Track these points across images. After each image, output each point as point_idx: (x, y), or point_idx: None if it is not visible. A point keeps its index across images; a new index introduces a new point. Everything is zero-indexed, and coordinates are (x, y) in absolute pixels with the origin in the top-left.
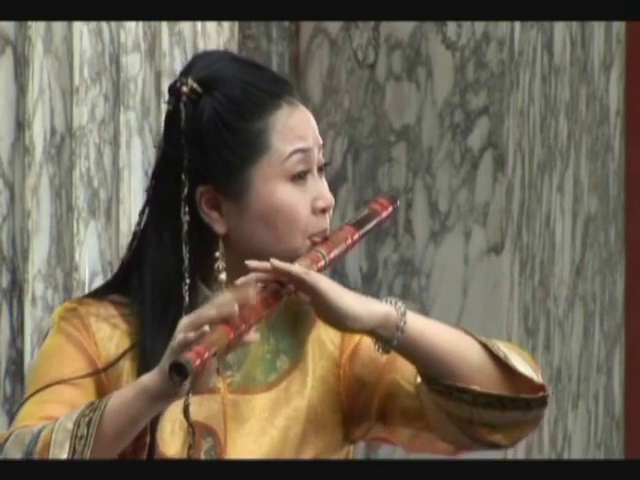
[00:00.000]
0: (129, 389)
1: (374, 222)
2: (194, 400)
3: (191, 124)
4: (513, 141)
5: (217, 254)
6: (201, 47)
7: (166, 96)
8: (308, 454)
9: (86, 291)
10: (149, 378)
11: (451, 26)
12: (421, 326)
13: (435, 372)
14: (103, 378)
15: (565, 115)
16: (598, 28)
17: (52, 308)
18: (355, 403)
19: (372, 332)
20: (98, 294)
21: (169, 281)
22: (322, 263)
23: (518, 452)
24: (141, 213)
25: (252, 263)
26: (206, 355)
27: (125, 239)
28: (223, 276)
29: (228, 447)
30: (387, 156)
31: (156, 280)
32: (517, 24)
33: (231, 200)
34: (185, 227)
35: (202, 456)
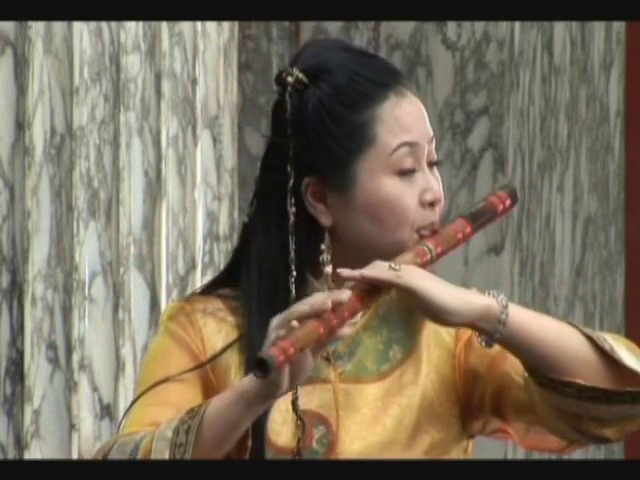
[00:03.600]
0: (228, 393)
1: (489, 217)
2: (306, 391)
3: (297, 115)
4: (513, 141)
5: (323, 246)
6: (201, 47)
7: (166, 96)
8: (423, 443)
9: (86, 292)
10: (248, 381)
11: (451, 26)
12: (524, 319)
13: (539, 365)
14: (210, 374)
15: (565, 115)
16: (598, 28)
17: (52, 308)
18: (471, 395)
19: (473, 325)
20: (206, 289)
21: (276, 272)
22: (428, 257)
23: (518, 452)
24: (250, 204)
25: (344, 272)
26: (291, 351)
27: (125, 239)
28: (329, 269)
29: (340, 434)
30: None
31: (262, 271)
32: (517, 24)
33: (336, 193)
34: (292, 219)
35: (314, 444)
